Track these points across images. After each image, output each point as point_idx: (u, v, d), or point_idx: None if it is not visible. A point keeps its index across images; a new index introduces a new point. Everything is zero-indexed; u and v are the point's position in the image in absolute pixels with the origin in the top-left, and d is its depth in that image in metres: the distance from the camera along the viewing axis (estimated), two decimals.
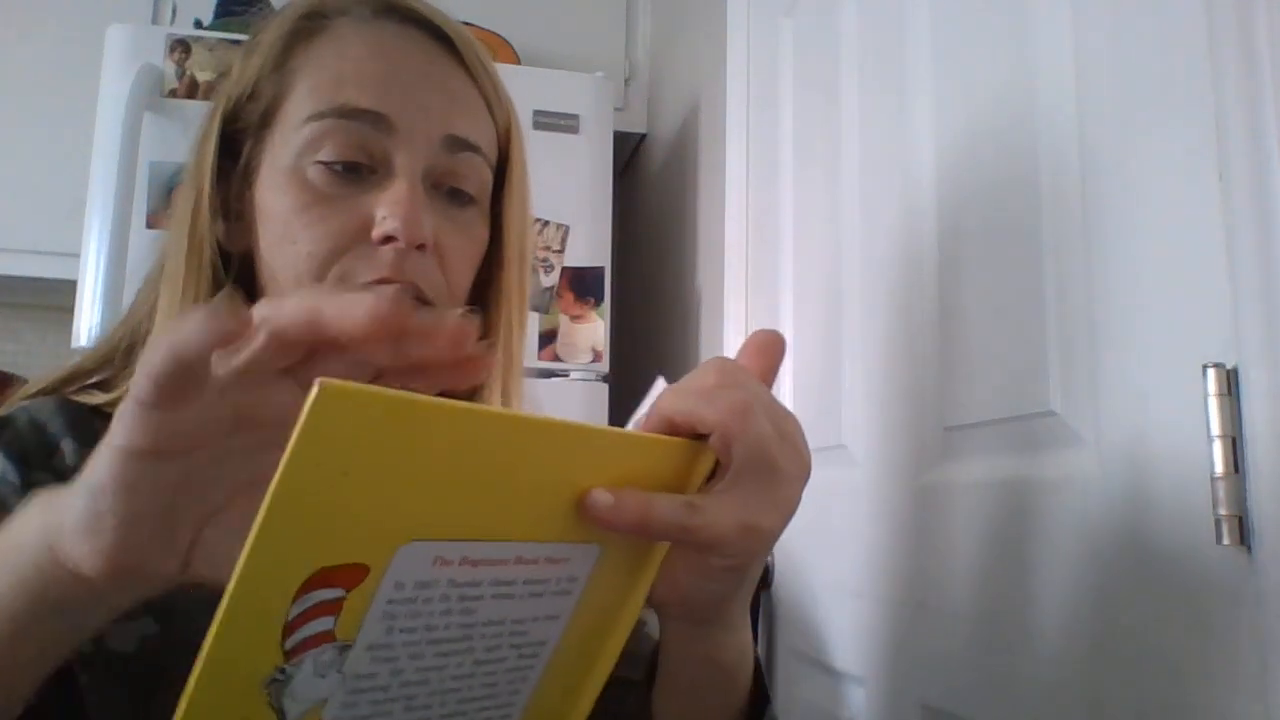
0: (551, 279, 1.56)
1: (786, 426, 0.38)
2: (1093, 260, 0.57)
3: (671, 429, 0.37)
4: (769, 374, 0.41)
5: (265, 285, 0.57)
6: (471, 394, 0.61)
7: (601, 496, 0.33)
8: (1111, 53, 0.57)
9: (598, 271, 1.58)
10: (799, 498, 0.39)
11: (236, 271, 0.58)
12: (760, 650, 1.08)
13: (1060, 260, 0.60)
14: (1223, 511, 0.45)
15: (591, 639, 0.39)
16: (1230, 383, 0.46)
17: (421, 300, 0.56)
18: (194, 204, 0.58)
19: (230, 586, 0.27)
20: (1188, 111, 0.50)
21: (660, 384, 0.44)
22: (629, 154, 2.19)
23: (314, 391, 0.25)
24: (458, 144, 0.57)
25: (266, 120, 0.57)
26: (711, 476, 0.38)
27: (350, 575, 0.29)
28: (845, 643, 0.89)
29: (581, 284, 1.57)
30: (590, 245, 1.59)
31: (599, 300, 1.57)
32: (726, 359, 0.40)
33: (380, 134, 0.54)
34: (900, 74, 0.85)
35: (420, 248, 0.54)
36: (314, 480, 0.26)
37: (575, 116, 1.62)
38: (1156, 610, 0.50)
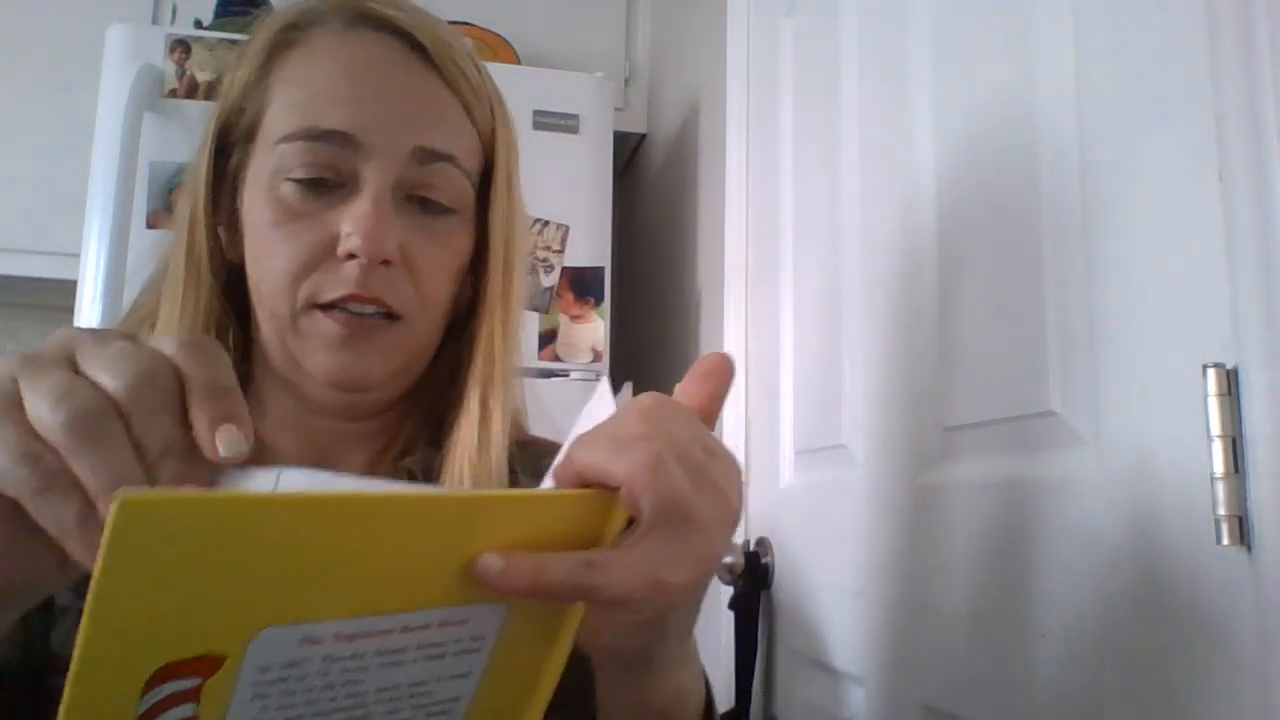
0: (551, 279, 1.56)
1: (709, 471, 0.36)
2: (1093, 260, 0.57)
3: (582, 481, 0.35)
4: (714, 401, 0.39)
5: (253, 296, 0.57)
6: (448, 409, 0.60)
7: (492, 562, 0.31)
8: (1111, 53, 0.57)
9: (598, 271, 1.58)
10: (721, 547, 0.37)
11: (237, 280, 0.59)
12: (760, 650, 1.08)
13: (1060, 260, 0.60)
14: (1223, 511, 0.45)
15: (516, 690, 0.37)
16: (1230, 383, 0.46)
17: (392, 315, 0.55)
18: (190, 214, 0.58)
19: (67, 689, 0.26)
20: (1188, 111, 0.50)
21: (603, 388, 0.42)
22: (629, 154, 2.19)
23: (114, 506, 0.24)
24: (428, 155, 0.56)
25: (250, 135, 0.57)
26: (632, 523, 0.36)
27: (202, 666, 0.28)
28: (845, 643, 0.89)
29: (581, 284, 1.57)
30: (590, 245, 1.59)
31: (599, 300, 1.57)
32: (658, 396, 0.37)
33: (348, 152, 0.54)
34: (900, 73, 0.85)
35: (385, 263, 0.54)
36: (134, 587, 0.26)
37: (575, 116, 1.62)
38: (1156, 610, 0.50)
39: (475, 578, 0.31)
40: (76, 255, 1.43)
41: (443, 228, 0.58)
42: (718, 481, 0.36)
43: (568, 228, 1.58)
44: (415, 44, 0.57)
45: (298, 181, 0.54)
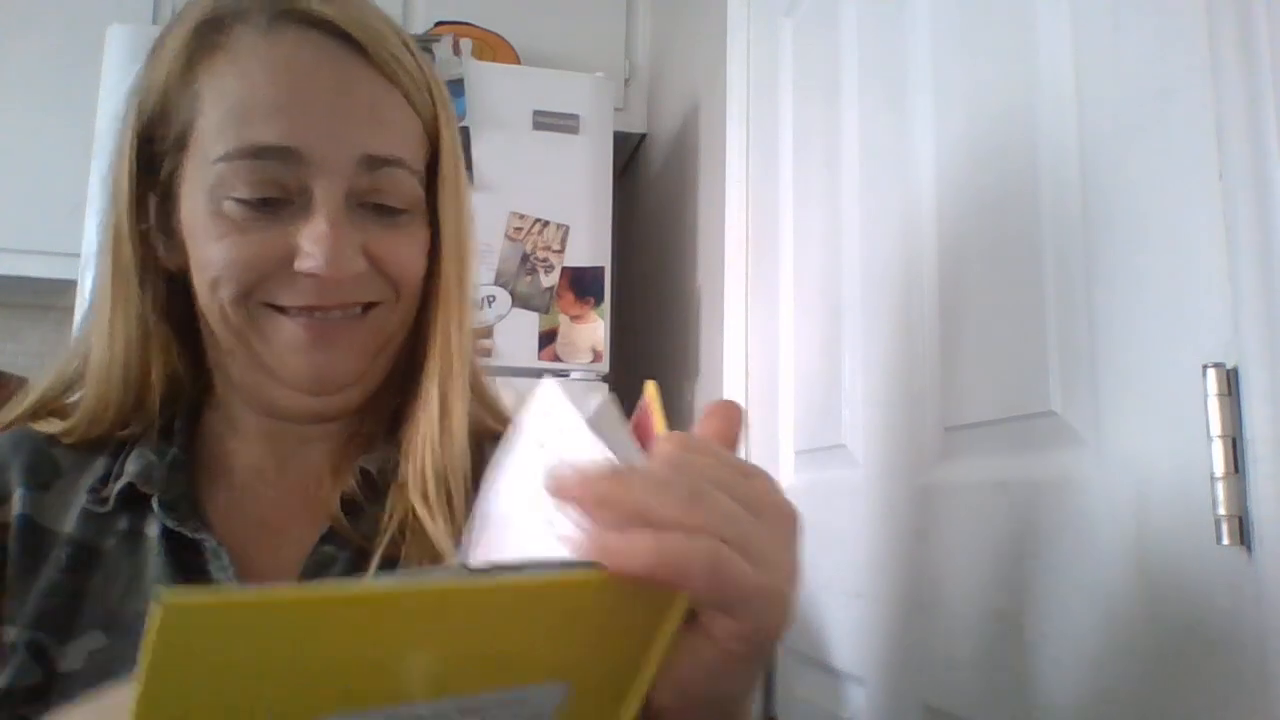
0: (551, 279, 1.56)
1: (760, 545, 0.36)
2: (1093, 260, 0.57)
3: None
4: (734, 436, 0.39)
5: (202, 307, 0.56)
6: (405, 404, 0.59)
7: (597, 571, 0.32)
8: (1111, 53, 0.57)
9: (598, 271, 1.58)
10: (794, 550, 0.38)
11: (178, 285, 0.57)
12: None
13: (1060, 260, 0.60)
14: (1223, 511, 0.45)
15: None
16: (1230, 383, 0.46)
17: (366, 305, 0.55)
18: (114, 226, 0.57)
19: None
20: (1188, 111, 0.50)
21: (548, 384, 0.39)
22: (629, 154, 2.19)
23: (158, 611, 0.24)
24: (375, 162, 0.54)
25: (181, 144, 0.55)
26: None
27: None
28: (845, 643, 0.89)
29: (581, 284, 1.57)
30: (590, 245, 1.59)
31: (599, 300, 1.57)
32: (690, 457, 0.36)
33: (292, 167, 0.52)
34: (900, 73, 0.85)
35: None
36: (180, 687, 0.26)
37: (575, 116, 1.62)
38: (1157, 609, 0.50)
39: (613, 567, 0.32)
40: (76, 255, 1.43)
41: (402, 225, 0.57)
42: (772, 557, 0.36)
43: (568, 228, 1.58)
44: (344, 37, 0.55)
45: (242, 201, 0.52)
